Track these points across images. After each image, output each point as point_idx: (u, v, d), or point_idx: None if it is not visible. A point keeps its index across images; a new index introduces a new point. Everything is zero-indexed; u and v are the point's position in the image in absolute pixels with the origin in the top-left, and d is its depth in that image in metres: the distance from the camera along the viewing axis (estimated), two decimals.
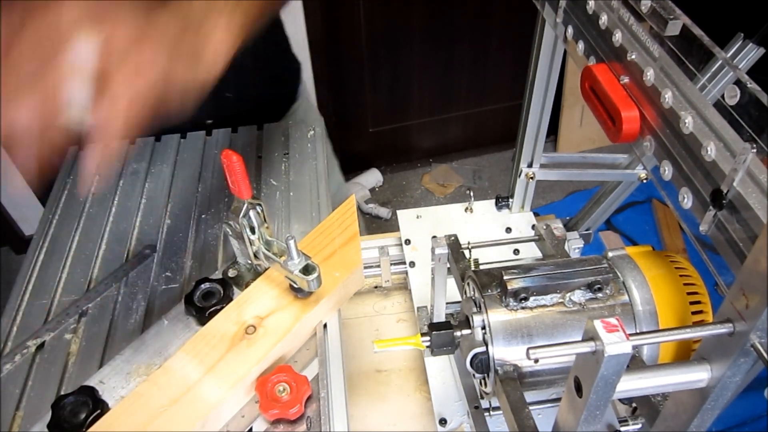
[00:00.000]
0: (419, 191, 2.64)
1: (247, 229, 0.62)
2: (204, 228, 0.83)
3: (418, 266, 0.84)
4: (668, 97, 0.44)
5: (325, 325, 0.65)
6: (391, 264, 0.85)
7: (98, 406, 0.56)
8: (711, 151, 0.39)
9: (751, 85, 0.38)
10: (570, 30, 0.61)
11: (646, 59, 0.47)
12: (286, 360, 0.62)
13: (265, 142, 0.97)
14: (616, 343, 0.34)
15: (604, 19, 0.53)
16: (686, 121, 0.42)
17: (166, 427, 0.53)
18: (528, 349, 0.37)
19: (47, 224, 0.84)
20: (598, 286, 0.50)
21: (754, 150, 0.36)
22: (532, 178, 0.86)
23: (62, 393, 0.61)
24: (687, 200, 0.43)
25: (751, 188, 0.36)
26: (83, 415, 0.55)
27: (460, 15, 2.33)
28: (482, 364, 0.50)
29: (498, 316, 0.50)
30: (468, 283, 0.56)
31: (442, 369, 0.72)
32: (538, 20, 0.70)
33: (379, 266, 0.85)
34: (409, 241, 0.87)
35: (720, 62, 0.43)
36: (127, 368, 0.60)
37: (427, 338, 0.54)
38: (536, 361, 0.38)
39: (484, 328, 0.50)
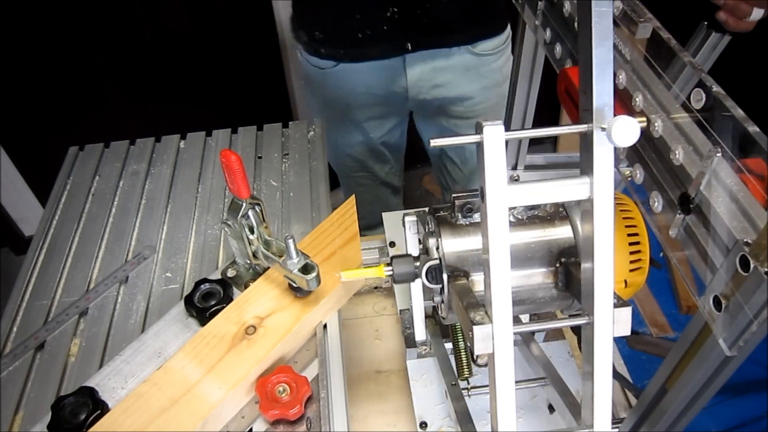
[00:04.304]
0: (419, 192, 2.63)
1: (246, 229, 0.62)
2: (204, 229, 0.83)
3: None
4: (639, 100, 0.44)
5: (325, 326, 0.65)
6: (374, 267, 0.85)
7: (98, 407, 0.56)
8: (679, 155, 0.39)
9: (716, 89, 0.38)
10: (548, 33, 0.61)
11: (619, 62, 0.48)
12: (286, 360, 0.62)
13: (265, 142, 0.97)
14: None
15: None
16: (656, 124, 0.42)
17: (166, 428, 0.53)
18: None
19: (47, 224, 0.84)
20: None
21: (719, 154, 0.36)
22: (516, 180, 0.86)
23: (62, 393, 0.61)
24: (657, 204, 0.43)
25: (718, 192, 0.37)
26: (83, 416, 0.55)
27: None
28: (436, 272, 0.53)
29: (447, 227, 0.54)
30: (428, 220, 0.58)
31: (423, 372, 0.72)
32: (519, 23, 0.70)
33: None
34: (394, 243, 0.87)
35: (686, 64, 0.42)
36: (127, 368, 0.60)
37: (389, 268, 0.57)
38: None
39: (437, 248, 0.53)
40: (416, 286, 0.73)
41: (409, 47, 1.06)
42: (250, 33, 1.76)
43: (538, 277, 0.52)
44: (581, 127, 0.41)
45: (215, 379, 0.56)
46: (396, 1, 1.01)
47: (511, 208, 0.53)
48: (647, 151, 0.43)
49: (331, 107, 1.18)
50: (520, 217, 0.54)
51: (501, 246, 0.42)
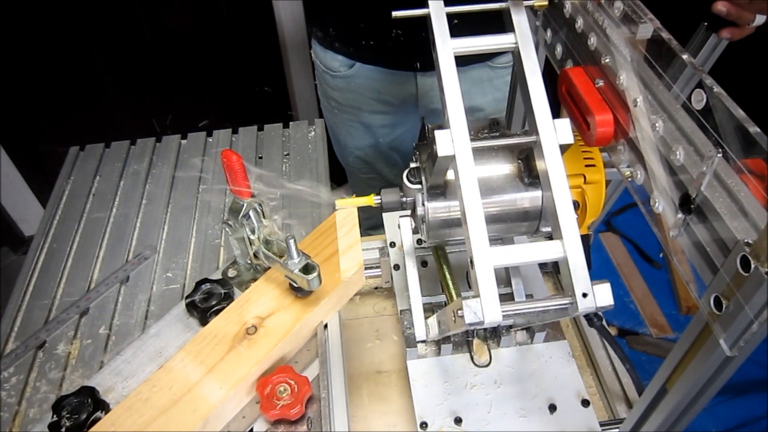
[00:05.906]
0: None
1: (247, 229, 0.62)
2: (204, 229, 0.83)
3: (403, 268, 0.84)
4: (639, 100, 0.44)
5: (325, 326, 0.65)
6: (374, 267, 0.85)
7: (99, 407, 0.56)
8: (680, 155, 0.39)
9: (717, 90, 0.38)
10: (549, 33, 0.61)
11: (620, 62, 0.48)
12: (286, 360, 0.62)
13: (266, 142, 0.97)
14: None
15: (580, 23, 0.54)
16: (657, 125, 0.42)
17: (166, 428, 0.53)
18: None
19: (47, 224, 0.84)
20: (496, 122, 0.65)
21: (720, 154, 0.36)
22: None
23: (63, 393, 0.61)
24: (658, 204, 0.43)
25: (719, 192, 0.37)
26: (84, 416, 0.55)
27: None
28: (416, 173, 0.62)
29: (424, 147, 0.62)
30: (414, 153, 0.65)
31: (424, 373, 0.72)
32: None
33: (379, 267, 0.85)
34: (394, 243, 0.87)
35: (687, 65, 0.43)
36: (127, 368, 0.60)
37: (378, 197, 0.64)
38: None
39: (419, 166, 0.62)
40: (414, 285, 0.72)
41: (418, 66, 1.03)
42: (251, 33, 1.76)
43: (504, 170, 0.59)
44: (501, 4, 0.57)
45: (216, 379, 0.57)
46: (399, 24, 0.96)
47: (477, 131, 0.66)
48: (647, 152, 0.43)
49: (341, 110, 1.16)
50: (486, 134, 0.64)
51: (449, 66, 0.54)
